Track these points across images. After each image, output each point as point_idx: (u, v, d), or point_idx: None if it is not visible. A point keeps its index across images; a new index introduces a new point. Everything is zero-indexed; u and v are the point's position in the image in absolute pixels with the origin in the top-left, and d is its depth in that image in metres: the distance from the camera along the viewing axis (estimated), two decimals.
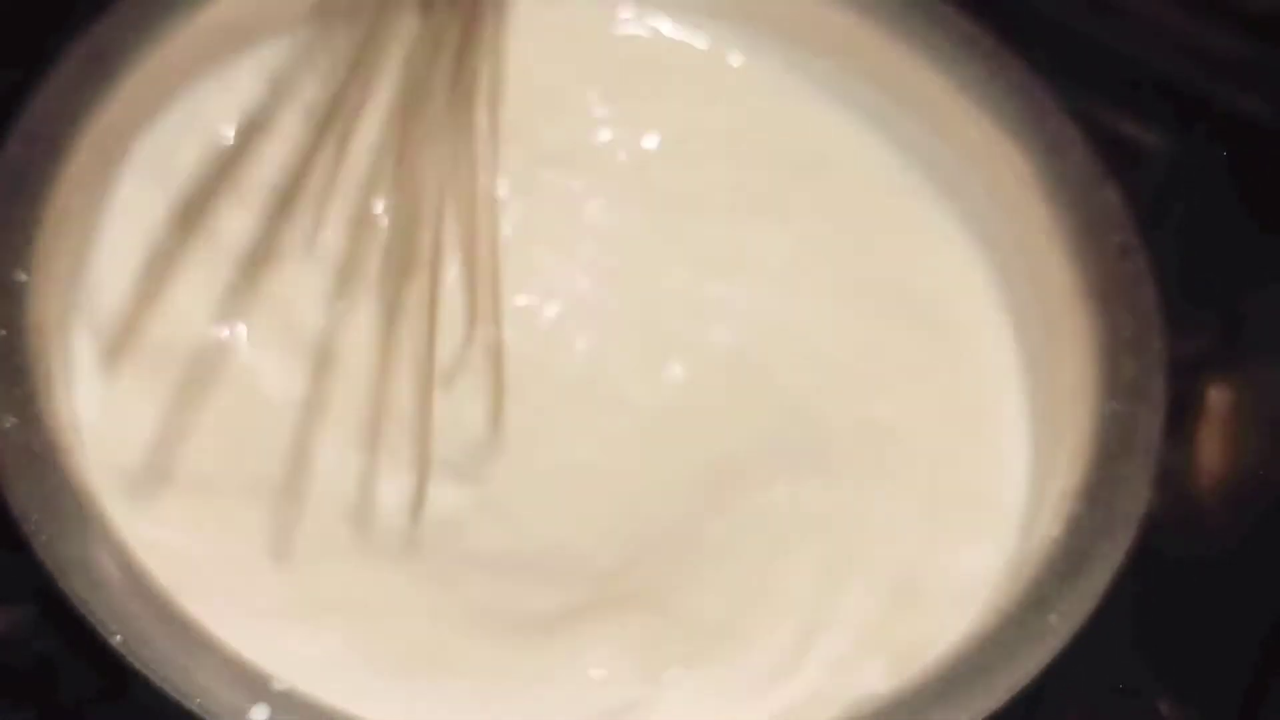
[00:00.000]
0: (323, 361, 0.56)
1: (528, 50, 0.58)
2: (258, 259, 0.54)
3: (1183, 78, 0.72)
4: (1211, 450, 0.63)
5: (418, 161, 0.54)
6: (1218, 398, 0.65)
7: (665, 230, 0.63)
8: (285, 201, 0.53)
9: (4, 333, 0.50)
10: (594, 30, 0.65)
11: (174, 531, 0.52)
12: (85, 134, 0.54)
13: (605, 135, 0.64)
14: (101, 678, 0.48)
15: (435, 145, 0.54)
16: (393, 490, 0.55)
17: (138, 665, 0.44)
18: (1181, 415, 0.59)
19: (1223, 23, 0.73)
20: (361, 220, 0.55)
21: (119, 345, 0.54)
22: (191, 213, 0.54)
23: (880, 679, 0.50)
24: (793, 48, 0.64)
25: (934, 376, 0.60)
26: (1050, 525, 0.51)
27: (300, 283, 0.57)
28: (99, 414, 0.54)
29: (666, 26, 0.65)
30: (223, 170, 0.54)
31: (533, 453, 0.59)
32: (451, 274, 0.56)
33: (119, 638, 0.45)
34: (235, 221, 0.55)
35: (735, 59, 0.65)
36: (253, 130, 0.54)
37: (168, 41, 0.57)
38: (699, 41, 0.65)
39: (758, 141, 0.64)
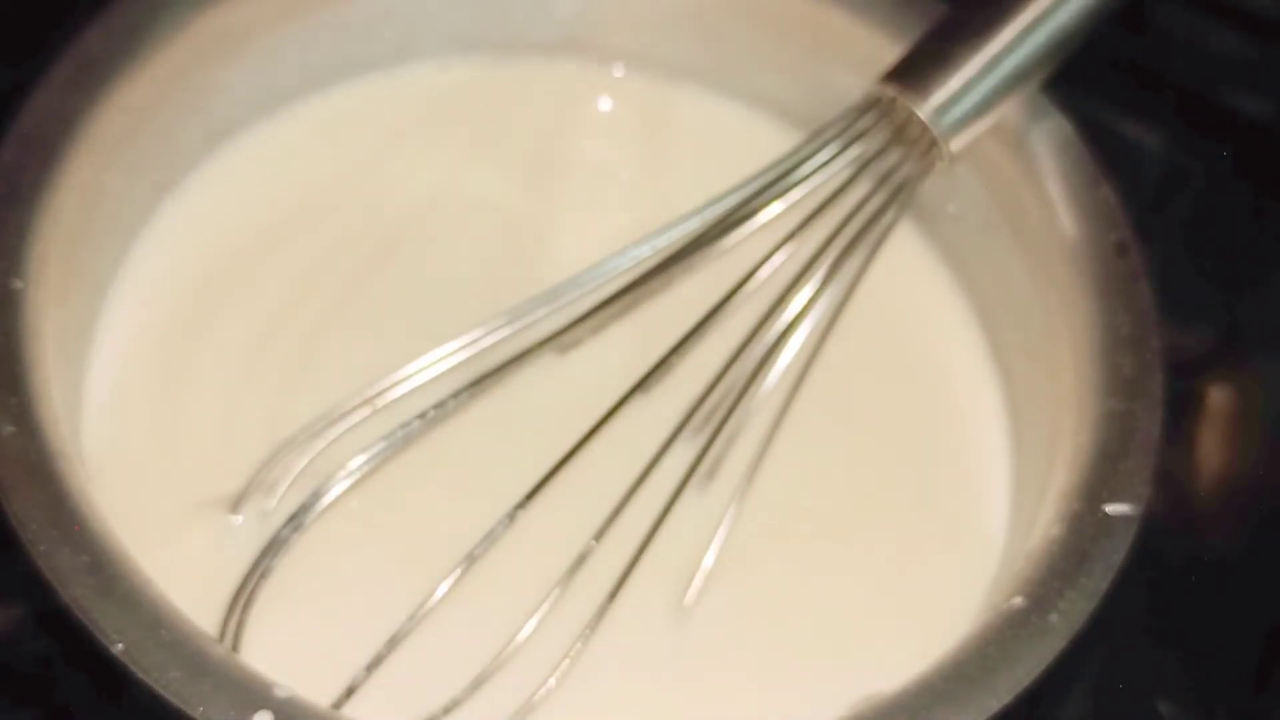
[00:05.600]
0: None
1: None
2: None
3: (1183, 78, 0.72)
4: (1211, 450, 0.63)
5: None
6: (1218, 398, 0.65)
7: None
8: None
9: (1, 340, 0.50)
10: None
11: None
12: (80, 139, 0.54)
13: None
14: (100, 679, 0.48)
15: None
16: None
17: (140, 674, 0.44)
18: (1181, 415, 0.59)
19: (1223, 23, 0.73)
20: None
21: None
22: None
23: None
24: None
25: (926, 374, 0.60)
26: (1050, 525, 0.51)
27: None
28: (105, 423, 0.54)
29: None
30: None
31: None
32: None
33: (120, 646, 0.45)
34: None
35: None
36: None
37: (162, 45, 0.57)
38: None
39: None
